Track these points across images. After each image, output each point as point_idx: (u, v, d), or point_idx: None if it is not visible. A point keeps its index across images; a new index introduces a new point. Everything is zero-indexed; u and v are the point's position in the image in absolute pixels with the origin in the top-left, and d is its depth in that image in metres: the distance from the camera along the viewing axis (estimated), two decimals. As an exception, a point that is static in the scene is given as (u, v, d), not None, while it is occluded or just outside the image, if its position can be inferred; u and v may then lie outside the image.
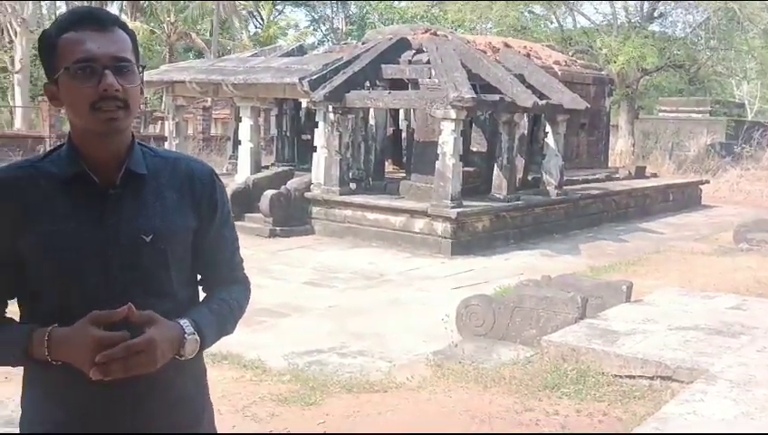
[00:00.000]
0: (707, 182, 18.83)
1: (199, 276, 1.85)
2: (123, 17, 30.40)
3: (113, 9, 31.76)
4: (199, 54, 29.36)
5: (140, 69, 1.66)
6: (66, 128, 1.73)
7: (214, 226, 1.80)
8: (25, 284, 1.66)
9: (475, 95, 10.63)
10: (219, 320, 1.76)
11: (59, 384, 1.63)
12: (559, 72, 14.68)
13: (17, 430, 1.76)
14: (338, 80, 11.80)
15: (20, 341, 1.59)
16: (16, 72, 24.13)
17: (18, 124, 23.53)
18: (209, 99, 20.12)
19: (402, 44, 13.11)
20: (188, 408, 1.77)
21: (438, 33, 13.82)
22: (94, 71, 1.57)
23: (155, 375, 1.59)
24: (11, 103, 25.79)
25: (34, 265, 1.63)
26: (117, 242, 1.63)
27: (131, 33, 1.67)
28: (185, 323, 1.64)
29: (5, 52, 25.90)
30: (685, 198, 17.43)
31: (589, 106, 13.31)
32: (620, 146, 23.82)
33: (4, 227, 1.61)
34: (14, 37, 24.08)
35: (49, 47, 1.62)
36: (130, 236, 1.64)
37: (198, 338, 1.65)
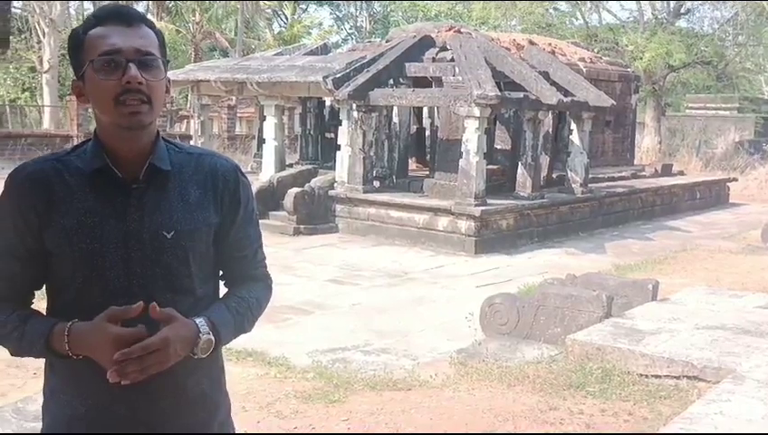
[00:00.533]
0: (735, 180, 18.56)
1: (221, 272, 1.86)
2: (149, 17, 30.69)
3: (139, 9, 32.06)
4: (225, 54, 29.55)
5: (166, 65, 1.67)
6: (93, 127, 1.74)
7: (236, 222, 1.80)
8: (50, 276, 1.69)
9: (498, 93, 10.58)
10: (237, 318, 1.76)
11: (78, 377, 1.65)
12: (584, 70, 14.59)
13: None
14: (362, 78, 11.82)
15: (42, 334, 1.62)
16: (45, 72, 24.46)
17: (46, 123, 23.86)
18: (234, 97, 20.23)
19: (426, 42, 13.09)
20: (202, 405, 1.77)
21: (462, 30, 13.78)
22: (118, 64, 1.59)
23: (170, 373, 1.60)
24: (39, 103, 26.14)
25: (58, 259, 1.65)
26: (139, 238, 1.65)
27: (158, 32, 1.68)
28: (200, 322, 1.64)
29: (34, 52, 26.25)
30: (712, 196, 17.22)
31: (614, 103, 13.18)
32: (647, 143, 23.61)
33: (31, 220, 1.64)
34: (42, 37, 24.42)
35: (76, 44, 1.64)
36: (152, 233, 1.66)
37: (213, 338, 1.65)
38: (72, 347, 1.58)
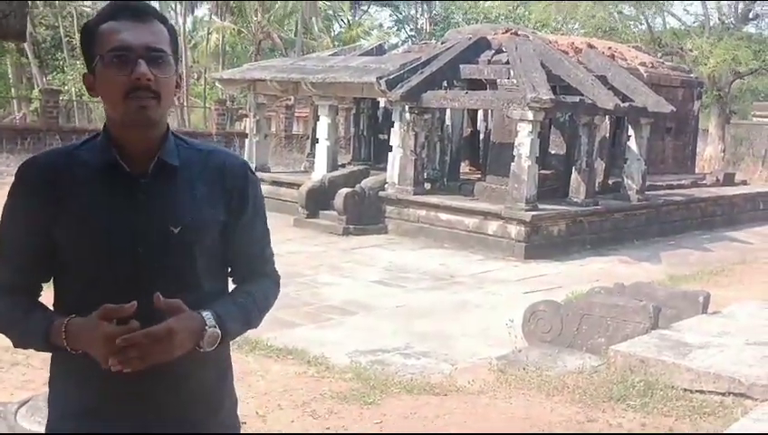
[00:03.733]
0: (802, 191, 17.88)
1: (230, 268, 1.85)
2: (213, 18, 31.24)
3: (203, 9, 32.70)
4: (284, 54, 29.87)
5: (176, 61, 1.67)
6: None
7: (244, 219, 1.79)
8: (58, 269, 1.69)
9: (553, 96, 10.42)
10: (243, 313, 1.75)
11: (80, 371, 1.65)
12: (644, 74, 14.26)
13: None
14: (415, 79, 11.78)
15: (40, 329, 1.62)
16: (110, 70, 25.05)
17: (110, 119, 24.44)
18: (292, 97, 20.42)
19: (481, 44, 12.99)
20: (204, 403, 1.76)
21: (519, 32, 13.62)
22: (128, 60, 1.58)
23: (174, 366, 1.59)
24: (105, 99, 26.82)
25: (65, 252, 1.66)
26: (146, 232, 1.64)
27: (170, 28, 1.68)
28: (207, 315, 1.63)
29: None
30: (776, 207, 16.63)
31: (674, 109, 12.85)
32: (709, 152, 22.98)
33: (40, 213, 1.64)
34: (108, 36, 25.02)
35: (88, 37, 1.65)
36: (159, 227, 1.65)
37: (219, 331, 1.63)
38: (69, 342, 1.59)
